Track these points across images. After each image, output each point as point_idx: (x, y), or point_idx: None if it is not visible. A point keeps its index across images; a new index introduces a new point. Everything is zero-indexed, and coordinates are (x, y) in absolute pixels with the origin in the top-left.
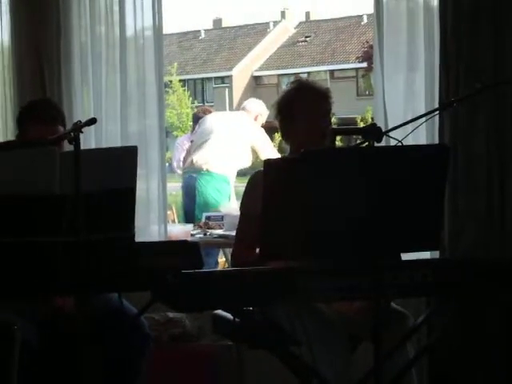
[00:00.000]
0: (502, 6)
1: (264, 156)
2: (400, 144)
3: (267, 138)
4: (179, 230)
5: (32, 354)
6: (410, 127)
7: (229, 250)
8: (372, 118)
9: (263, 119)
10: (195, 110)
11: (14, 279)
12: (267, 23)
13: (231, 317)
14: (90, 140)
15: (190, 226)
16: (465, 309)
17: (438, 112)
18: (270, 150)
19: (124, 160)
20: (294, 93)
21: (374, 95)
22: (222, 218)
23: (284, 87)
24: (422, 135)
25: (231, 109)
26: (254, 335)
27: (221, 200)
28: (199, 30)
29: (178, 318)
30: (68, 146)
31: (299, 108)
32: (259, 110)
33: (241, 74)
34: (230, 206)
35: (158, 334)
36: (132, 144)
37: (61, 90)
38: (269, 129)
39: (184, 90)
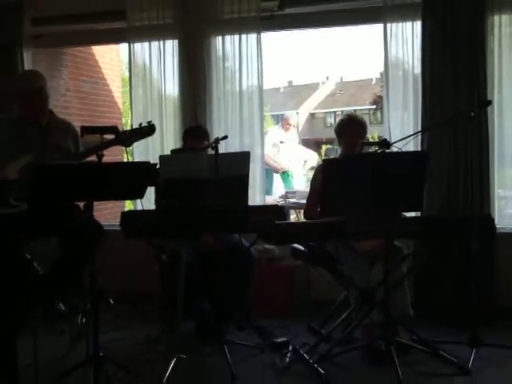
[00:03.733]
0: (459, 75)
1: None
2: (400, 150)
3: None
4: (271, 199)
5: (192, 270)
6: (404, 141)
7: (298, 211)
8: (378, 137)
9: (288, 121)
10: None
11: (182, 226)
12: (318, 83)
13: (302, 248)
14: (222, 148)
15: (277, 197)
16: (434, 244)
17: (420, 133)
18: None
19: (242, 159)
20: (344, 120)
21: (383, 123)
22: (294, 192)
23: (328, 119)
24: (411, 146)
25: (297, 132)
26: (316, 258)
27: (292, 183)
28: (279, 87)
29: (271, 248)
30: (210, 151)
31: (345, 129)
32: (287, 115)
33: (303, 112)
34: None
35: (259, 257)
36: (246, 150)
37: (206, 121)
38: (317, 143)
39: (272, 121)
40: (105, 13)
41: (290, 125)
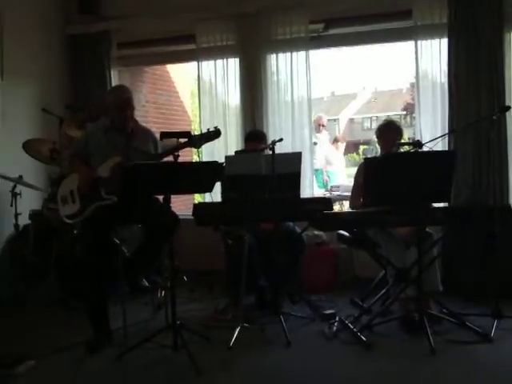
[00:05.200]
0: (480, 85)
1: None
2: (431, 150)
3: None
4: (319, 192)
5: (253, 253)
6: (434, 142)
7: (341, 202)
8: (409, 138)
9: (319, 122)
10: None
11: (244, 215)
12: (356, 93)
13: (346, 233)
14: (277, 149)
15: (323, 190)
16: (460, 231)
17: (447, 134)
18: None
19: (294, 158)
20: (382, 125)
21: (415, 126)
22: (338, 186)
23: (365, 124)
24: (439, 146)
25: (338, 133)
26: (358, 243)
27: (336, 179)
28: (323, 97)
29: (320, 234)
30: (268, 152)
31: (384, 133)
32: (317, 117)
33: (343, 117)
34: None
35: (309, 242)
36: (298, 151)
37: (263, 126)
38: (355, 144)
39: None
40: (177, 37)
41: (320, 125)
